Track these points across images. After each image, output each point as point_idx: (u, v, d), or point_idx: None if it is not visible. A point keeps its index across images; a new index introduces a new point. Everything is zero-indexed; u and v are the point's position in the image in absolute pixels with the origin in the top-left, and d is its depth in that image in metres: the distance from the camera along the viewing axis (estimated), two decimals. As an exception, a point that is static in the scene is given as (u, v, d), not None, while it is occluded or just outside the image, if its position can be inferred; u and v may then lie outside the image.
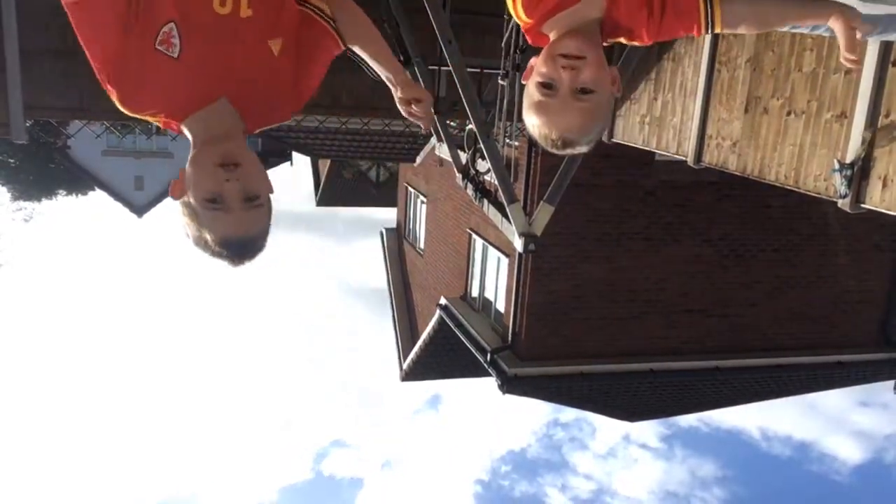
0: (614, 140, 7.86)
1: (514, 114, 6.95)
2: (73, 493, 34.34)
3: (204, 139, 1.45)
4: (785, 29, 1.95)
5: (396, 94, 1.76)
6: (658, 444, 37.11)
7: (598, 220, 9.98)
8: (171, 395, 49.88)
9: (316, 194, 23.40)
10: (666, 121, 7.04)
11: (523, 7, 1.70)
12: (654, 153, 8.18)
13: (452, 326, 11.43)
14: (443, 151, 8.79)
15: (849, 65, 1.72)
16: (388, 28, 7.16)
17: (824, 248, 10.78)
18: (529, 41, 1.75)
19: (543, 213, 7.36)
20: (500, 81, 7.01)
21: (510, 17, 1.90)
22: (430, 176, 14.03)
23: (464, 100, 6.78)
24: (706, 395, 11.97)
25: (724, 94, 6.22)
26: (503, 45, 6.82)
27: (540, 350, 10.15)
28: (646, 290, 10.39)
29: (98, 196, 29.61)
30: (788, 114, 5.51)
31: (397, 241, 16.76)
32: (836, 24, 1.67)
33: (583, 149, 1.60)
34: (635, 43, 1.75)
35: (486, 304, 11.52)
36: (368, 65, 1.78)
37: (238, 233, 1.40)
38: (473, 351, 10.74)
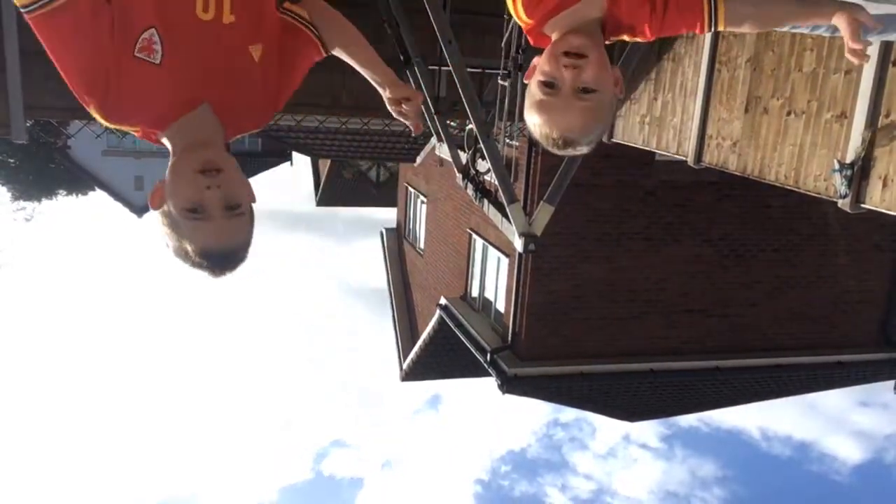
0: (614, 140, 7.86)
1: (515, 114, 6.95)
2: (74, 493, 34.37)
3: (184, 147, 1.42)
4: (785, 29, 1.94)
5: (385, 94, 1.76)
6: (658, 444, 37.12)
7: (598, 220, 9.98)
8: (171, 396, 49.89)
9: (316, 194, 23.41)
10: (666, 121, 7.04)
11: (524, 7, 1.69)
12: (654, 153, 8.18)
13: (452, 326, 11.43)
14: (443, 151, 8.79)
15: (853, 57, 1.68)
16: (389, 28, 7.16)
17: (824, 248, 10.78)
18: (531, 42, 1.75)
19: (543, 213, 7.36)
20: (501, 81, 7.01)
21: (510, 17, 1.90)
22: (430, 176, 14.04)
23: (464, 100, 6.78)
24: (706, 395, 11.97)
25: (725, 94, 6.22)
26: (503, 45, 6.82)
27: (540, 350, 10.15)
28: (646, 290, 10.39)
29: (98, 196, 29.63)
30: (788, 114, 5.51)
31: (397, 241, 16.77)
32: (840, 20, 1.64)
33: (584, 149, 1.60)
34: (638, 40, 1.74)
35: (486, 304, 11.52)
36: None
37: (219, 242, 1.37)
38: (473, 351, 10.74)
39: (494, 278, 11.15)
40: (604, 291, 10.28)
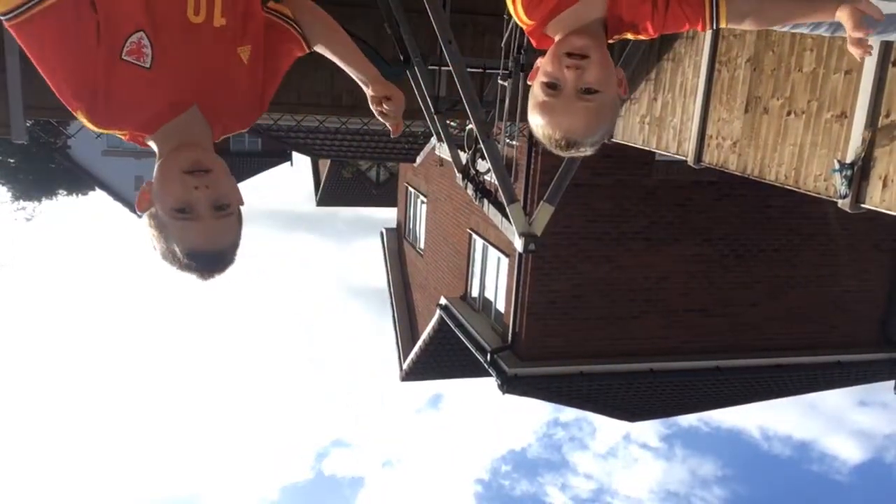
0: (614, 140, 7.86)
1: (515, 114, 6.95)
2: (75, 493, 34.36)
3: (171, 148, 1.41)
4: (786, 28, 1.93)
5: (368, 92, 1.76)
6: (658, 443, 37.15)
7: (598, 220, 9.98)
8: (172, 395, 49.90)
9: (316, 194, 23.43)
10: (666, 121, 7.04)
11: (524, 8, 1.69)
12: (654, 153, 8.18)
13: (452, 326, 11.43)
14: (443, 151, 8.79)
15: (856, 49, 1.67)
16: (389, 28, 7.16)
17: (824, 248, 10.78)
18: (534, 44, 1.74)
19: (543, 213, 7.35)
20: (501, 81, 7.01)
21: (510, 17, 1.89)
22: (430, 176, 14.03)
23: (464, 100, 6.77)
24: (706, 394, 11.97)
25: (725, 94, 6.22)
26: (503, 45, 6.82)
27: (540, 350, 10.15)
28: (646, 289, 10.39)
29: (98, 196, 29.63)
30: (788, 114, 5.51)
31: (397, 241, 16.76)
32: (842, 12, 1.63)
33: (587, 150, 1.59)
34: (641, 37, 1.73)
35: (486, 304, 11.52)
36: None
37: (208, 243, 1.36)
38: (473, 351, 10.74)
39: (494, 278, 11.15)
40: (604, 291, 10.28)
